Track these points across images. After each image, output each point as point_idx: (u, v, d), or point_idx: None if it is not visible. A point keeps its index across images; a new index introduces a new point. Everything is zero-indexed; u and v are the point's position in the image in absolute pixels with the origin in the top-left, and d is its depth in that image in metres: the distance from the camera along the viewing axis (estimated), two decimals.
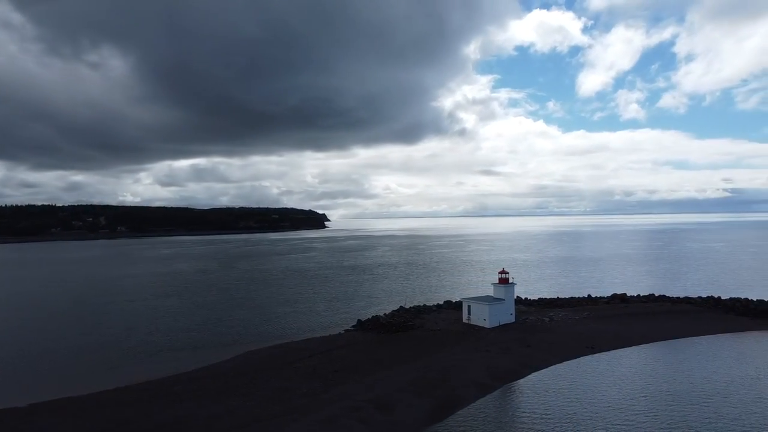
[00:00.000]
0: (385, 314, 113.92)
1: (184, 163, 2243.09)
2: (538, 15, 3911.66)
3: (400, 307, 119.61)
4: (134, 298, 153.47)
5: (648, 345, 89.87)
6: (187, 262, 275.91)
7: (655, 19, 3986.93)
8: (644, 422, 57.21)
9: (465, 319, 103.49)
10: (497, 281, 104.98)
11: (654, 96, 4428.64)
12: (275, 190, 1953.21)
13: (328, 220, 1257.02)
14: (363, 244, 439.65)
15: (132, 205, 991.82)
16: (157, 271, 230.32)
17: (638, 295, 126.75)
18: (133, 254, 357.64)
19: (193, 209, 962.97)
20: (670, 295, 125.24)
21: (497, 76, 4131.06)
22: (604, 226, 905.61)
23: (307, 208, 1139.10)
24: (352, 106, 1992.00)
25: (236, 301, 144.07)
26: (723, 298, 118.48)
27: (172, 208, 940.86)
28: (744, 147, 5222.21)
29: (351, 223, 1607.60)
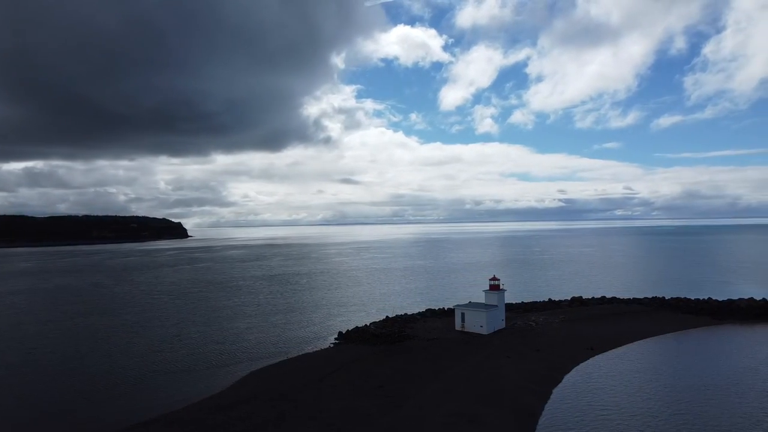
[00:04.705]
0: (367, 324, 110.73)
1: (15, 166, 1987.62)
2: (402, 30, 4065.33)
3: (386, 317, 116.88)
4: (50, 317, 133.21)
5: (637, 343, 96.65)
6: (68, 276, 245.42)
7: (512, 41, 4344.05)
8: (714, 413, 61.51)
9: (458, 327, 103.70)
10: (488, 287, 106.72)
11: (506, 112, 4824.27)
12: (122, 197, 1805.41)
13: (185, 229, 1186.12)
14: (249, 253, 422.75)
15: None
16: (42, 287, 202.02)
17: (593, 297, 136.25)
18: None
19: (35, 217, 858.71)
20: (619, 297, 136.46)
21: (361, 87, 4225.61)
22: (467, 233, 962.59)
23: (159, 217, 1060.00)
24: (215, 110, 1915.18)
25: (181, 317, 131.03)
26: (666, 298, 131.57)
27: (7, 216, 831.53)
28: (577, 162, 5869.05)
29: (212, 232, 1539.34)
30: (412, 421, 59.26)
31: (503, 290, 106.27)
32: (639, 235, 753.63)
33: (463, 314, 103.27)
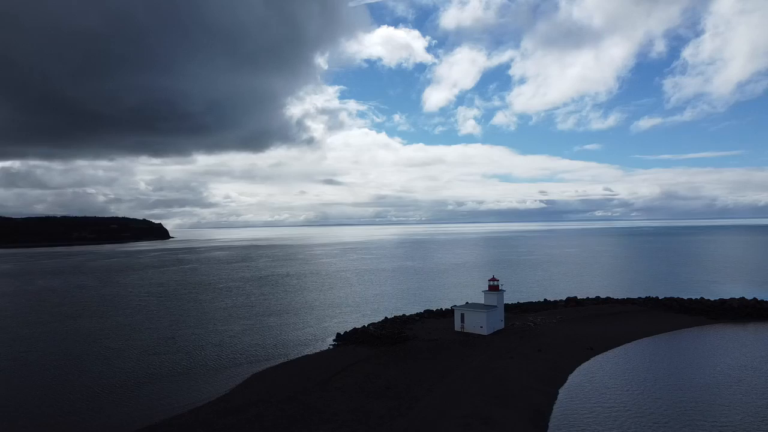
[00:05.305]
0: (366, 326, 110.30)
1: None
2: (386, 31, 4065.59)
3: (385, 318, 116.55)
4: (38, 320, 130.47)
5: (636, 343, 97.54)
6: (51, 278, 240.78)
7: (496, 43, 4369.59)
8: (721, 412, 62.19)
9: (458, 328, 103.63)
10: (487, 288, 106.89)
11: (489, 114, 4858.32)
12: (102, 198, 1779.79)
13: (167, 230, 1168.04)
14: (234, 254, 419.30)
15: None
16: (26, 289, 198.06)
17: (587, 297, 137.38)
18: None
19: (11, 218, 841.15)
20: (613, 297, 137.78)
21: (344, 87, 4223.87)
22: (451, 234, 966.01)
23: (139, 218, 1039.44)
24: (197, 110, 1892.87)
25: (173, 319, 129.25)
26: (660, 298, 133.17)
27: None
28: (558, 163, 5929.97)
29: (193, 233, 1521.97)
30: (426, 423, 58.92)
31: (502, 291, 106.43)
32: (620, 236, 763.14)
33: (462, 315, 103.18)
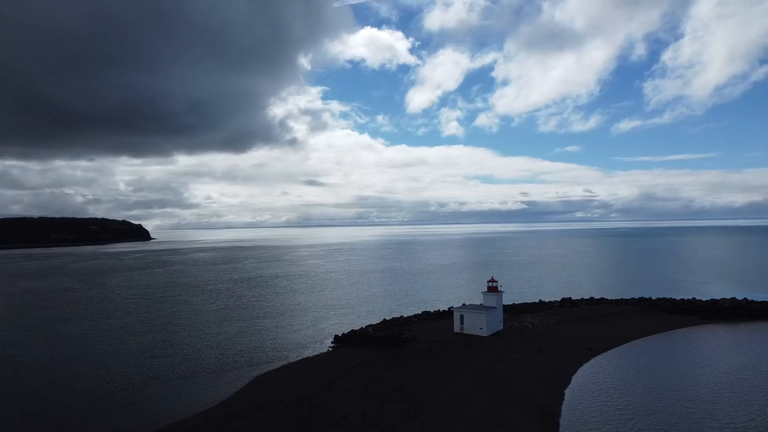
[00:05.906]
0: (364, 327, 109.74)
1: None
2: (369, 32, 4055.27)
3: (383, 319, 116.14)
4: (27, 323, 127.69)
5: (633, 343, 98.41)
6: (34, 281, 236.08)
7: (479, 45, 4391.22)
8: (727, 411, 62.96)
9: (457, 329, 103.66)
10: (486, 290, 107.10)
11: (472, 115, 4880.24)
12: (80, 198, 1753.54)
13: (147, 231, 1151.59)
14: (219, 256, 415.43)
15: None
16: (10, 291, 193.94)
17: (582, 298, 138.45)
18: None
19: None
20: (608, 297, 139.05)
21: (327, 88, 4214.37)
22: (434, 235, 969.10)
23: (119, 219, 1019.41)
24: (179, 110, 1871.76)
25: (166, 321, 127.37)
26: (653, 298, 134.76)
27: None
28: (539, 165, 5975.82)
29: (174, 235, 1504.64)
30: (438, 426, 58.69)
31: (501, 292, 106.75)
32: (602, 236, 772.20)
33: (462, 316, 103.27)
